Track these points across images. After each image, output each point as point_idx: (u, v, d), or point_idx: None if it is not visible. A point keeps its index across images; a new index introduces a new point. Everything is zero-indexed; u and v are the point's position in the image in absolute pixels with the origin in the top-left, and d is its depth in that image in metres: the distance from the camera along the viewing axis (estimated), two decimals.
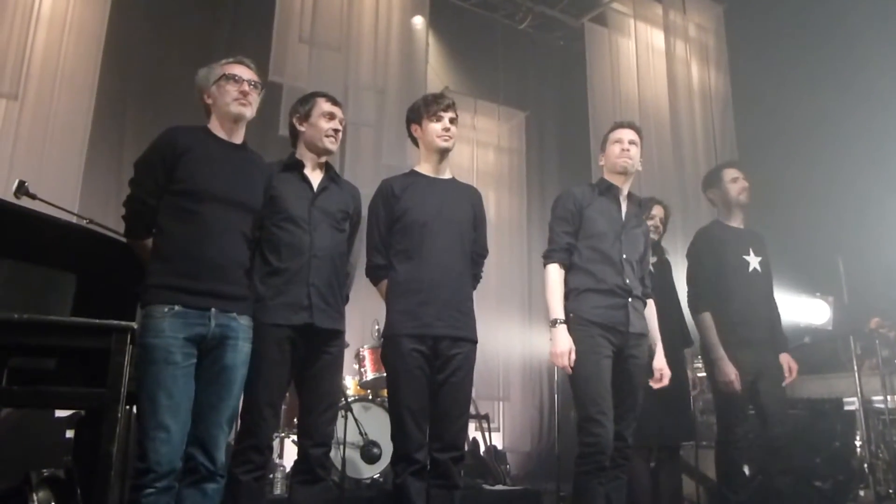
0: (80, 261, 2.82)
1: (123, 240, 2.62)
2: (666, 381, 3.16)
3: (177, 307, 2.31)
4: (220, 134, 2.58)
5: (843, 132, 6.09)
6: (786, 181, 5.80)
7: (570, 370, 2.93)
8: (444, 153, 3.01)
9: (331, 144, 2.87)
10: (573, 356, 2.92)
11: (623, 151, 3.17)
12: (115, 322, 2.13)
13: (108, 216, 3.84)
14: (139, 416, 2.26)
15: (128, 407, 2.62)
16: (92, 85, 5.19)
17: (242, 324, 2.47)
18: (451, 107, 3.00)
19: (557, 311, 3.00)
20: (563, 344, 2.93)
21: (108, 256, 2.85)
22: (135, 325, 2.17)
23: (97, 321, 2.14)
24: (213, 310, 2.37)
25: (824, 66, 6.36)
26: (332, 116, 2.87)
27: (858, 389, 4.73)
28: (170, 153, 2.45)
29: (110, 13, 5.32)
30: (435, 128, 2.96)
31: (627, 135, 3.21)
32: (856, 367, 4.76)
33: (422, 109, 3.00)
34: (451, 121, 2.98)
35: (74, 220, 3.43)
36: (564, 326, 2.97)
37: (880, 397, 4.86)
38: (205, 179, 2.45)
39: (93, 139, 5.24)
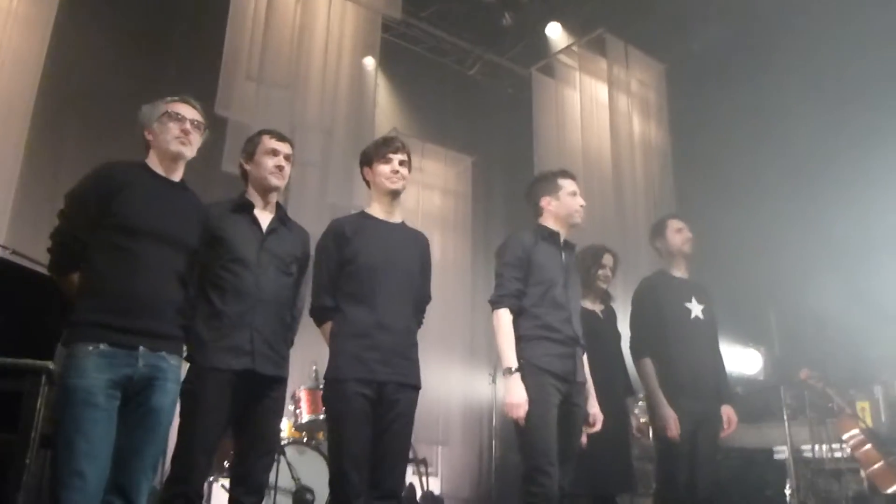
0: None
1: (47, 273, 2.51)
2: (598, 427, 3.15)
3: (102, 346, 2.23)
4: (159, 171, 2.54)
5: (777, 189, 6.34)
6: (720, 234, 5.97)
7: (523, 422, 2.91)
8: (394, 195, 3.01)
9: (275, 180, 2.85)
10: (527, 407, 2.89)
11: (581, 207, 3.25)
12: (30, 362, 2.02)
13: (39, 248, 3.69)
14: (54, 461, 2.15)
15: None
16: (27, 113, 5.03)
17: (172, 364, 2.40)
18: (400, 149, 3.00)
19: (511, 359, 2.98)
20: (518, 395, 2.91)
21: (27, 291, 2.72)
22: (51, 365, 2.06)
23: (9, 360, 2.03)
24: (141, 348, 2.29)
25: (760, 126, 6.65)
26: (275, 153, 2.87)
27: (788, 439, 4.84)
28: (105, 188, 2.39)
29: (50, 40, 5.19)
30: (384, 170, 2.96)
31: (578, 188, 3.30)
32: (786, 417, 4.87)
33: (372, 152, 3.01)
34: (402, 163, 2.98)
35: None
36: (519, 375, 2.95)
37: (809, 446, 4.98)
38: (140, 215, 2.40)
39: (26, 169, 5.06)
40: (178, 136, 2.52)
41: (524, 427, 2.92)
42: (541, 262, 3.12)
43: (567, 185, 3.29)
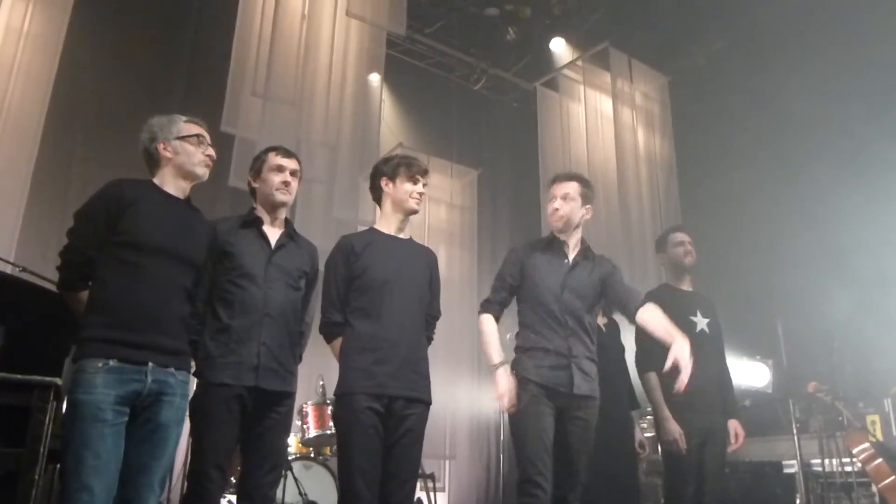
0: (9, 311, 2.70)
1: (55, 290, 2.54)
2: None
3: (112, 362, 2.24)
4: (168, 188, 2.57)
5: (783, 200, 6.32)
6: (727, 246, 5.97)
7: (511, 408, 2.92)
8: (409, 214, 3.05)
9: (281, 196, 2.88)
10: (513, 395, 2.91)
11: (554, 211, 3.21)
12: (37, 378, 2.03)
13: (48, 266, 3.73)
14: (63, 475, 2.17)
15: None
16: (36, 131, 5.06)
17: (180, 379, 2.42)
18: (427, 173, 3.06)
19: (495, 356, 3.03)
20: (502, 385, 2.94)
21: (37, 308, 2.74)
22: (58, 381, 2.07)
23: (17, 376, 2.04)
24: (150, 364, 2.31)
25: (764, 136, 6.64)
26: (281, 169, 2.89)
27: (798, 453, 4.79)
28: (115, 205, 2.42)
29: (61, 58, 5.25)
30: (409, 188, 3.00)
31: (558, 189, 3.23)
32: (795, 431, 4.82)
33: (401, 167, 3.02)
34: (424, 186, 3.03)
35: (9, 268, 3.31)
36: (504, 368, 2.98)
37: (819, 460, 4.93)
38: (149, 232, 2.43)
39: (36, 186, 5.09)
40: (202, 160, 2.58)
41: (515, 438, 2.95)
42: (533, 274, 3.13)
43: (549, 190, 3.30)
